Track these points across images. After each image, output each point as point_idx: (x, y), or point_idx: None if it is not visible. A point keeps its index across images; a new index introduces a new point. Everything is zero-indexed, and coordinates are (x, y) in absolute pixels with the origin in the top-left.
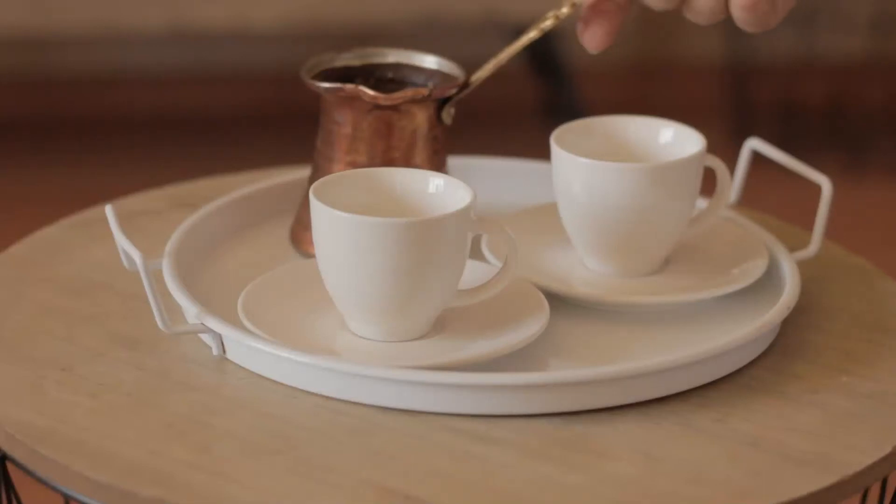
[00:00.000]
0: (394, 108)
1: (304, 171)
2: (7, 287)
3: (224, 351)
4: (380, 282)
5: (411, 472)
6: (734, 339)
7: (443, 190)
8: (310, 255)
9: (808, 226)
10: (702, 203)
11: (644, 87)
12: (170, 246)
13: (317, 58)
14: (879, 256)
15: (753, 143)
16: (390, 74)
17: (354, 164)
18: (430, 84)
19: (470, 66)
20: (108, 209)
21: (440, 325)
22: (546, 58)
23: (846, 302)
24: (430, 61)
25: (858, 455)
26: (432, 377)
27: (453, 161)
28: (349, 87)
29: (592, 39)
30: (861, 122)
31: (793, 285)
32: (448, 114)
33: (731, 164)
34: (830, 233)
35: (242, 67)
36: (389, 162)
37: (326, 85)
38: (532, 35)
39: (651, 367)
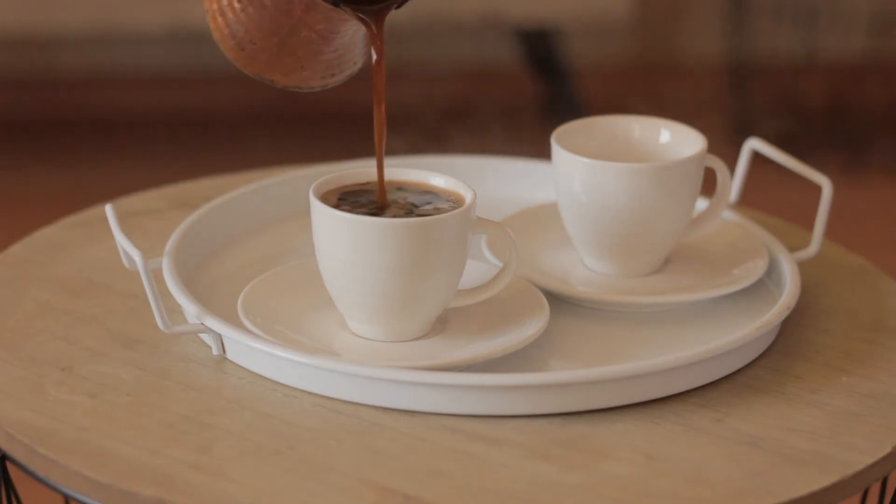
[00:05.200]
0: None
1: (303, 171)
2: (7, 287)
3: (224, 351)
4: (380, 282)
5: (411, 472)
6: (734, 339)
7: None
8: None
9: (808, 226)
10: (702, 203)
11: (644, 87)
12: (170, 246)
13: None
14: (879, 256)
15: (753, 143)
16: None
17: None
18: None
19: (470, 67)
20: (108, 209)
21: (440, 325)
22: (546, 57)
23: (846, 302)
24: None
25: (858, 455)
26: (432, 377)
27: (455, 161)
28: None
29: None
30: (861, 122)
31: (793, 285)
32: None
33: (731, 164)
34: (830, 233)
35: None
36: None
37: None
38: None
39: (651, 367)
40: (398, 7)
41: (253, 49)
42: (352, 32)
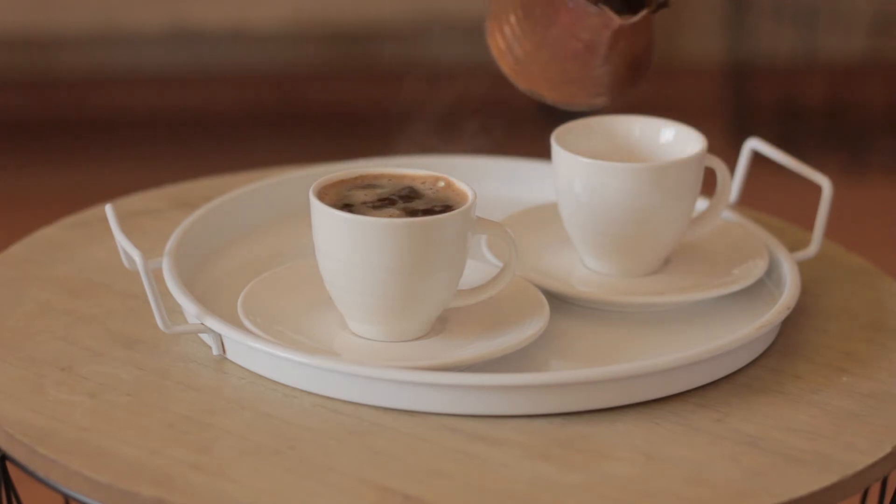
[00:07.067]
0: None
1: (303, 171)
2: (7, 287)
3: (224, 351)
4: (380, 282)
5: (411, 472)
6: (734, 339)
7: None
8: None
9: (808, 226)
10: (702, 203)
11: (644, 87)
12: (170, 246)
13: None
14: (879, 256)
15: (753, 143)
16: None
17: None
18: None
19: (470, 67)
20: (108, 209)
21: (440, 325)
22: None
23: (846, 302)
24: None
25: (858, 455)
26: (432, 377)
27: (455, 161)
28: (594, 8)
29: None
30: (861, 122)
31: (793, 285)
32: None
33: (731, 164)
34: (830, 233)
35: (242, 67)
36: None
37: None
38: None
39: (651, 367)
40: (654, 12)
41: (526, 62)
42: (622, 49)
